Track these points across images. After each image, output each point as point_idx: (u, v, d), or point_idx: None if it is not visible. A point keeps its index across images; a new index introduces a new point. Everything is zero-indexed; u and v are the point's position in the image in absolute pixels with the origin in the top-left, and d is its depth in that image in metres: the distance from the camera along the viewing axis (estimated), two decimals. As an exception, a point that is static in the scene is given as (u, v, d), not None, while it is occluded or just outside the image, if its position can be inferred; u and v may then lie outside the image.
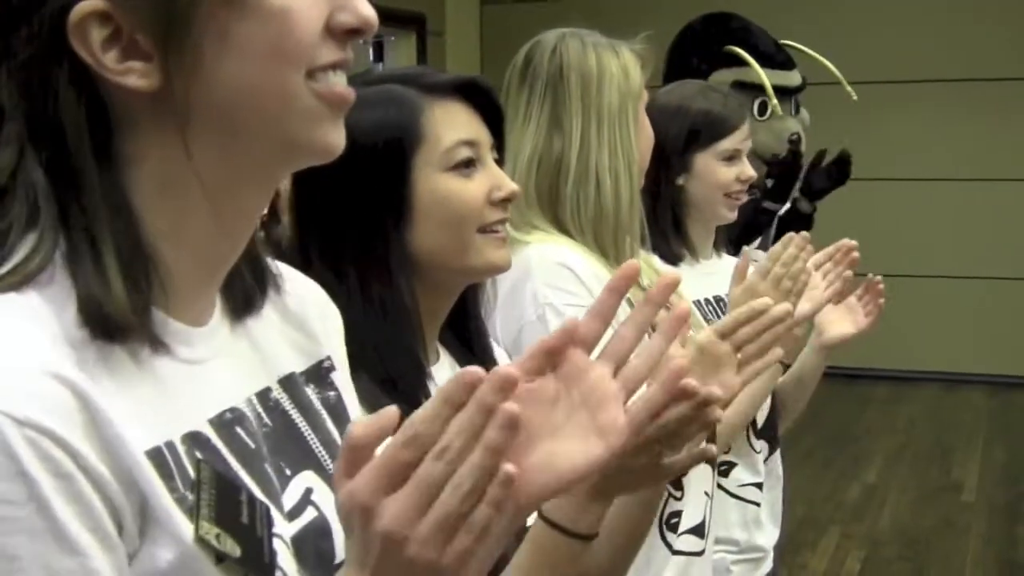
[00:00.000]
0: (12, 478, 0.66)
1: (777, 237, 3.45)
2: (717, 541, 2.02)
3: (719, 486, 2.07)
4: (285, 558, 0.80)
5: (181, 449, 0.75)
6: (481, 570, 0.70)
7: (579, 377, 0.79)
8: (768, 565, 2.25)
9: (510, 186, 1.28)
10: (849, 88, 3.81)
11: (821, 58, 3.81)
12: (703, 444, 1.17)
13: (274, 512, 0.81)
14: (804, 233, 1.85)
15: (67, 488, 0.68)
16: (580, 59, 1.82)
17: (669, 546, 1.76)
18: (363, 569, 0.70)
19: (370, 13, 0.80)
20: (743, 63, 3.51)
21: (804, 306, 1.91)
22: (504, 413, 0.66)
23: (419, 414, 0.68)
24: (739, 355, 1.36)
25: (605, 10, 7.09)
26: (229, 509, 0.76)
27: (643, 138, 1.85)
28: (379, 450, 0.69)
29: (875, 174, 7.62)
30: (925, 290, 7.63)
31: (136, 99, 0.75)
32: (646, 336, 0.83)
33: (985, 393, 7.26)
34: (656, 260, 2.19)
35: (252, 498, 0.79)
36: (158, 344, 0.76)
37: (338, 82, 0.80)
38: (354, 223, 1.24)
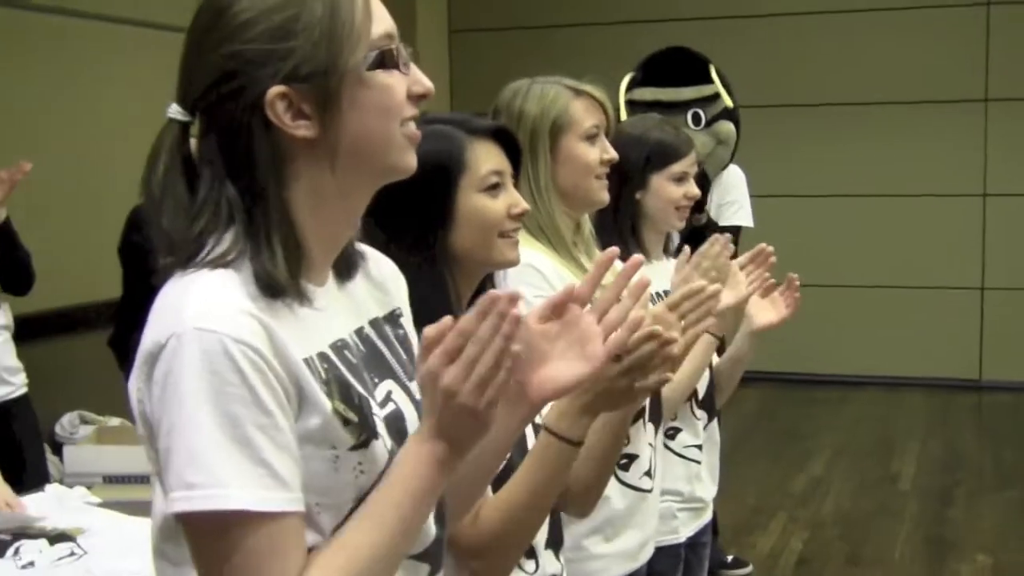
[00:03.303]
0: (233, 371, 1.09)
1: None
2: (666, 492, 2.50)
3: (667, 447, 2.54)
4: (382, 428, 1.24)
5: (316, 361, 1.18)
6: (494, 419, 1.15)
7: (575, 323, 1.33)
8: (708, 515, 2.73)
9: (523, 205, 1.73)
10: (727, 98, 4.26)
11: (714, 74, 4.29)
12: (663, 375, 1.60)
13: (371, 402, 1.25)
14: (727, 235, 2.42)
15: (263, 378, 1.10)
16: (508, 103, 2.25)
17: (619, 479, 2.25)
18: (431, 416, 1.16)
19: (430, 84, 1.27)
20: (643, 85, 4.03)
21: (728, 297, 2.41)
22: (513, 316, 1.11)
23: (463, 320, 1.12)
24: (682, 323, 1.83)
25: (566, 39, 7.48)
26: (347, 396, 1.19)
27: (569, 166, 2.23)
28: None
29: (822, 191, 8.14)
30: (867, 299, 8.12)
31: (296, 142, 1.18)
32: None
33: (923, 395, 7.74)
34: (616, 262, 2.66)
35: (358, 391, 1.22)
36: (303, 298, 1.20)
37: (414, 127, 1.25)
38: (412, 226, 1.67)
